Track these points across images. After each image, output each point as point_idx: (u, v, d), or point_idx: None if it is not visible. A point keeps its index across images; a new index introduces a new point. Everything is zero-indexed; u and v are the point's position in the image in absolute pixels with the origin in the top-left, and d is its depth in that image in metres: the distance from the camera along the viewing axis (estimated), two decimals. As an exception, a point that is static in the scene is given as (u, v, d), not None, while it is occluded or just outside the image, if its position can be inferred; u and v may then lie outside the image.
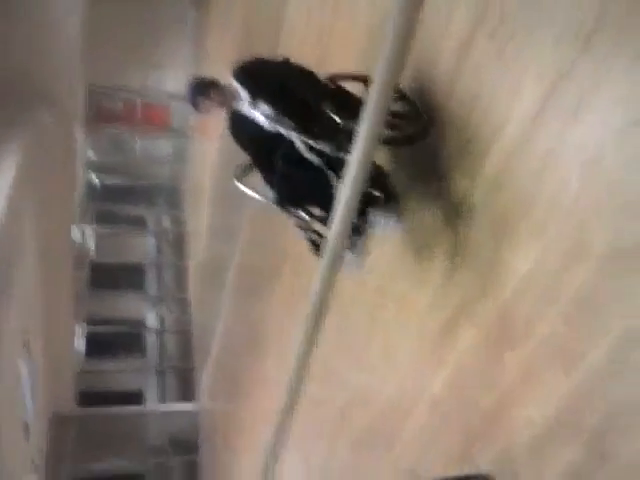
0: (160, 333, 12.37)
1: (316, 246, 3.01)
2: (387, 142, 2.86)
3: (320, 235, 2.96)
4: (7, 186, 5.60)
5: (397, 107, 2.83)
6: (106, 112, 12.82)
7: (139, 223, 15.07)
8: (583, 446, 1.93)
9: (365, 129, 1.82)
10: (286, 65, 2.98)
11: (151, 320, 12.56)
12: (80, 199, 11.67)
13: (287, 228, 4.65)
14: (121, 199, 14.75)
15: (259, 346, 6.25)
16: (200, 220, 11.51)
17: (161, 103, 13.25)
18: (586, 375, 1.93)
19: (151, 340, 12.27)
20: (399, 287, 3.15)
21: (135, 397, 11.28)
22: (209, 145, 10.91)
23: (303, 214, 2.99)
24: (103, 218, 13.94)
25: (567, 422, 2.00)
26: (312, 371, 4.51)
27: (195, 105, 3.00)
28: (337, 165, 2.62)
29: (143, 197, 15.22)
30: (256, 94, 2.85)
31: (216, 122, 9.95)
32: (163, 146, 14.37)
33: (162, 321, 12.58)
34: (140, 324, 12.47)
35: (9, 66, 6.06)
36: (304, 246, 3.22)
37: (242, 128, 3.03)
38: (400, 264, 3.14)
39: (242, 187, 3.08)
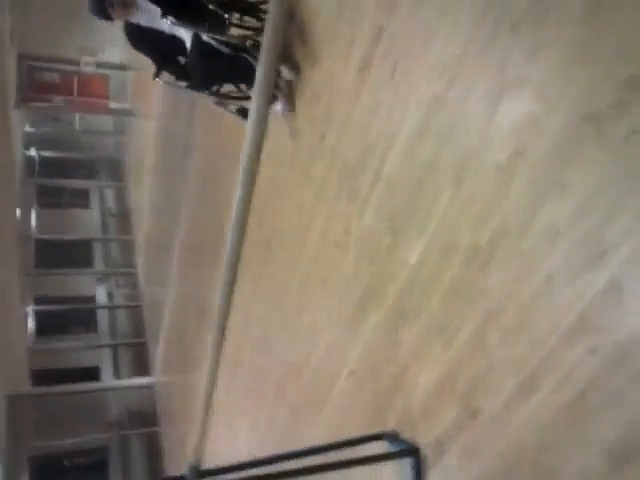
0: (111, 309, 12.53)
1: (241, 112, 4.00)
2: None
3: (242, 99, 3.93)
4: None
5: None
6: (42, 85, 12.52)
7: (82, 196, 14.98)
8: (458, 405, 2.41)
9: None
10: None
11: (101, 296, 12.67)
12: (20, 175, 11.55)
13: (227, 202, 5.00)
14: (62, 173, 14.58)
15: (205, 318, 6.61)
16: (143, 194, 11.61)
17: (97, 74, 13.02)
18: (458, 349, 2.39)
19: (102, 316, 12.42)
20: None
21: (91, 374, 11.51)
22: (148, 118, 10.96)
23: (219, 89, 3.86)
24: (45, 192, 13.79)
25: (446, 386, 2.47)
26: (253, 342, 4.95)
27: (104, 15, 3.48)
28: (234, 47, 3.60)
29: (85, 170, 15.09)
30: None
31: (154, 95, 10.01)
32: (103, 119, 14.19)
33: (111, 297, 12.71)
34: (90, 300, 12.59)
35: None
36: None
37: (142, 36, 3.66)
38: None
39: (160, 82, 3.89)
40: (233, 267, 4.90)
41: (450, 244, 2.44)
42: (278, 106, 3.83)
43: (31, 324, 10.57)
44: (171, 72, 3.82)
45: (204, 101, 5.95)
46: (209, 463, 5.60)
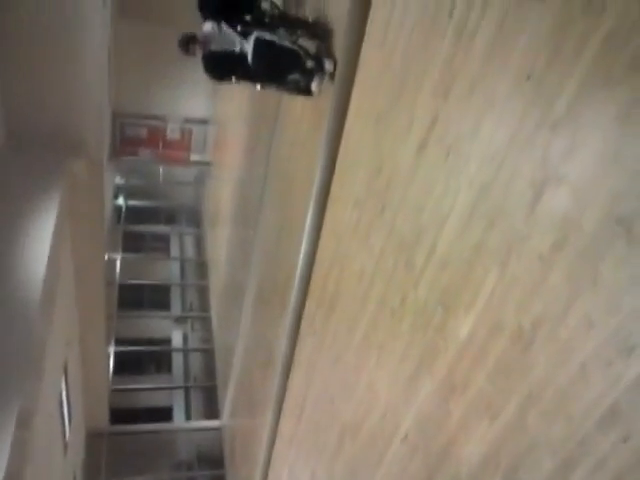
0: (185, 352, 13.05)
1: (306, 90, 4.97)
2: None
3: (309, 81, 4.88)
4: (51, 226, 6.41)
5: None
6: (131, 139, 13.51)
7: (163, 240, 15.86)
8: (503, 479, 2.51)
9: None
10: None
11: (177, 338, 13.25)
12: (109, 222, 12.43)
13: (296, 258, 5.29)
14: (146, 219, 15.53)
15: (271, 367, 6.87)
16: (218, 242, 12.20)
17: (182, 129, 13.91)
18: (502, 425, 2.51)
19: (177, 358, 12.96)
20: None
21: (164, 413, 11.99)
22: (226, 171, 11.61)
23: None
24: (130, 236, 14.70)
25: (491, 461, 2.58)
26: (315, 396, 5.15)
27: (185, 51, 4.59)
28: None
29: (167, 217, 16.02)
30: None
31: (230, 148, 10.62)
32: (185, 170, 15.09)
33: (186, 340, 13.26)
34: (166, 342, 13.20)
35: (45, 121, 6.83)
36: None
37: (215, 60, 4.64)
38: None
39: (226, 84, 5.03)
40: (297, 322, 5.15)
41: (496, 323, 2.59)
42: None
43: (111, 364, 11.19)
44: (241, 76, 4.75)
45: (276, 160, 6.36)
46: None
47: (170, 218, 16.14)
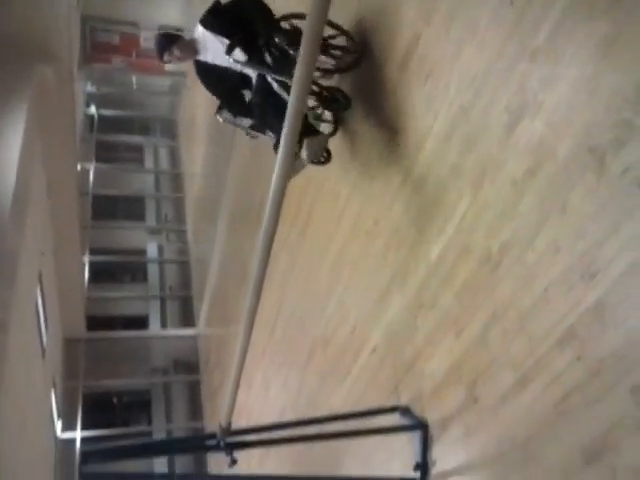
0: (160, 263, 13.17)
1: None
2: (328, 71, 3.70)
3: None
4: (20, 135, 6.22)
5: (340, 42, 3.67)
6: (102, 45, 12.86)
7: (137, 151, 15.53)
8: (463, 391, 2.68)
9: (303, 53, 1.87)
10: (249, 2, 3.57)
11: (152, 250, 13.31)
12: (81, 132, 12.10)
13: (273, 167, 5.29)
14: (119, 129, 15.13)
15: (245, 281, 7.00)
16: (194, 155, 12.01)
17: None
18: (466, 341, 2.65)
19: (152, 269, 13.08)
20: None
21: (140, 322, 12.27)
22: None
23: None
24: (102, 147, 14.36)
25: (454, 373, 2.75)
26: (287, 311, 5.30)
27: (160, 57, 3.62)
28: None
29: (140, 127, 15.61)
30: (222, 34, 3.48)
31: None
32: (160, 79, 14.56)
33: (162, 251, 13.33)
34: (141, 253, 13.27)
35: (8, 23, 6.45)
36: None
37: (209, 73, 3.70)
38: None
39: (221, 118, 3.86)
40: (270, 240, 5.21)
41: (466, 246, 2.67)
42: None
43: (86, 273, 11.26)
44: (234, 109, 3.79)
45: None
46: (242, 417, 6.08)
47: (144, 129, 15.71)
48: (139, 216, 13.97)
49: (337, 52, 3.68)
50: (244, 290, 6.90)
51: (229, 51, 3.42)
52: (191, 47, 3.60)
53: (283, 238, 5.25)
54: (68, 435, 9.51)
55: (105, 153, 14.20)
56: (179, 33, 3.77)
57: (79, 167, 10.20)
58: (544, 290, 2.19)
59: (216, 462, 8.19)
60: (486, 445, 2.54)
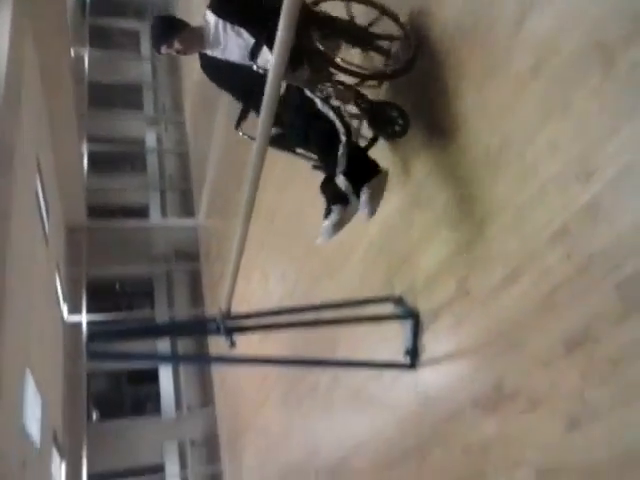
0: (159, 153, 13.07)
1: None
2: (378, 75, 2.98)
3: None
4: (8, 21, 5.98)
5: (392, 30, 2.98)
6: None
7: (132, 36, 14.93)
8: (455, 283, 2.78)
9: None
10: None
11: (150, 139, 13.16)
12: (73, 16, 11.55)
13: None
14: (113, 13, 14.46)
15: (244, 172, 6.99)
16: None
17: None
18: (460, 236, 2.71)
19: (151, 159, 13.02)
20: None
21: (140, 212, 12.41)
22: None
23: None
24: (97, 34, 13.80)
25: (446, 266, 2.83)
26: (285, 211, 5.34)
27: (157, 49, 2.81)
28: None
29: (135, 11, 14.90)
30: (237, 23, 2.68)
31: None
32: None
33: (160, 141, 13.19)
34: (140, 143, 13.14)
35: None
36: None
37: (220, 70, 2.89)
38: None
39: (243, 134, 3.03)
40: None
41: (466, 142, 2.66)
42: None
43: (85, 162, 11.20)
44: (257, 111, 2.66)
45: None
46: (242, 307, 6.32)
47: (139, 13, 14.99)
48: (137, 105, 13.69)
49: (385, 45, 2.94)
50: (243, 182, 6.92)
51: (253, 55, 2.61)
52: (197, 39, 2.79)
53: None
54: (74, 318, 9.92)
55: (100, 40, 13.66)
56: (183, 19, 2.84)
57: (72, 53, 9.83)
58: (540, 188, 2.21)
59: (216, 345, 8.61)
60: (474, 334, 2.67)
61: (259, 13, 2.61)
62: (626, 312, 1.86)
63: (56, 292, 9.00)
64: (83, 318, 10.01)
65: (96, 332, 2.95)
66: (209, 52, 2.85)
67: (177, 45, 2.74)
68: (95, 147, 11.93)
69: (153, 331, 3.74)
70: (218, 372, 9.42)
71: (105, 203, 12.10)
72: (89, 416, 10.16)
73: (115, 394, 11.59)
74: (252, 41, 2.65)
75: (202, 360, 9.73)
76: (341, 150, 2.56)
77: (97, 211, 11.31)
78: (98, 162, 12.18)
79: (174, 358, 9.91)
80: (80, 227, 10.56)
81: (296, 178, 5.05)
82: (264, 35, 2.52)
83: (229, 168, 8.33)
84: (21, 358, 5.98)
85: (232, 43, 2.76)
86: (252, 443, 7.15)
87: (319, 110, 2.67)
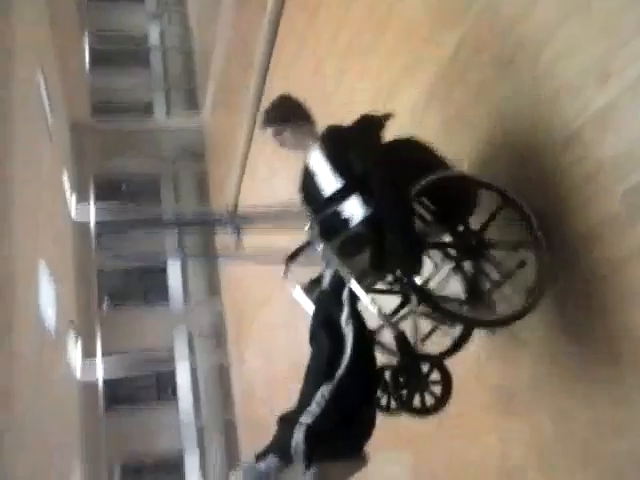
0: (163, 51, 12.61)
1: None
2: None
3: None
4: None
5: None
6: None
7: None
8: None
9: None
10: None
11: (154, 35, 12.66)
12: None
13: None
14: None
15: (250, 67, 6.77)
16: None
17: None
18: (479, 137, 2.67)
19: (155, 56, 12.58)
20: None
21: (144, 109, 12.16)
22: None
23: None
24: None
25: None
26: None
27: (265, 125, 2.39)
28: None
29: None
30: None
31: None
32: None
33: (163, 37, 12.68)
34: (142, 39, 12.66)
35: None
36: None
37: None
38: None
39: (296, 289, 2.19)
40: (276, 24, 4.97)
41: (481, 42, 2.56)
42: None
43: (87, 56, 10.84)
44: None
45: None
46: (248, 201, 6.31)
47: None
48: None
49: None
50: (249, 77, 6.73)
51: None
52: (304, 140, 2.38)
53: (291, 22, 5.01)
54: (82, 216, 9.97)
55: None
56: (309, 112, 2.41)
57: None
58: (555, 92, 2.15)
59: (222, 245, 8.74)
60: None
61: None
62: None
63: (63, 190, 9.05)
64: (91, 214, 10.11)
65: (105, 222, 2.97)
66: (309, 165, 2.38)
67: (286, 133, 2.35)
68: (97, 41, 11.52)
69: (161, 223, 3.78)
70: (224, 269, 9.62)
71: (109, 100, 11.85)
72: (100, 306, 10.59)
73: (125, 287, 11.88)
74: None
75: (210, 257, 9.91)
76: (327, 395, 1.75)
77: (101, 109, 11.11)
78: (101, 58, 11.80)
79: (182, 253, 10.12)
80: (85, 124, 10.43)
81: (303, 65, 4.91)
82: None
83: (234, 65, 8.07)
84: (32, 248, 6.12)
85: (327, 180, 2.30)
86: (256, 338, 7.42)
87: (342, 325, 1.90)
